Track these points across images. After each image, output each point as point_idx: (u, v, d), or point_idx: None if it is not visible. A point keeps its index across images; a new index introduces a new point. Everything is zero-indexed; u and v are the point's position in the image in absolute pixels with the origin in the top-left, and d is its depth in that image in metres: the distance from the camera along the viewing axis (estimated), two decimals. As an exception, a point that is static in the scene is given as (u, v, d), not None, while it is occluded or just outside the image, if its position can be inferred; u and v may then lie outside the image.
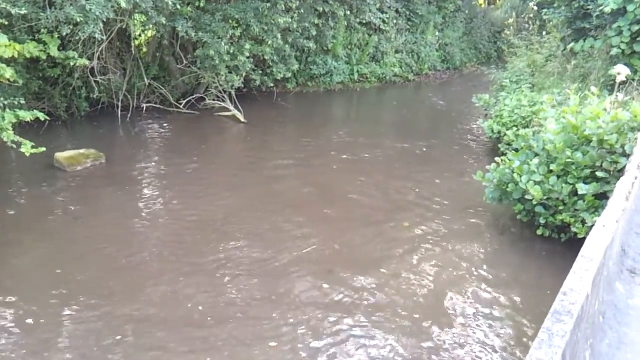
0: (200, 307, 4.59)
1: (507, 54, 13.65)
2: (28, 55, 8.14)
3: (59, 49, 8.74)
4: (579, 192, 5.22)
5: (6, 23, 7.22)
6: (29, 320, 4.36)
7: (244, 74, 11.37)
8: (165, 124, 10.54)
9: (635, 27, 7.76)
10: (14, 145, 6.38)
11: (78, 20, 8.11)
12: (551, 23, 11.69)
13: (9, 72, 6.15)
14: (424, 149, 9.75)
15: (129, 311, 4.50)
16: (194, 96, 11.50)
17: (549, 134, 5.75)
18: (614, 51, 8.05)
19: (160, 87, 11.36)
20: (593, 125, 5.38)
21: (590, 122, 5.46)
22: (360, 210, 6.77)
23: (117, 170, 7.88)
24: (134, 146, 9.21)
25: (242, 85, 11.79)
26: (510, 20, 14.13)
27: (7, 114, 6.28)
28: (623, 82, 7.19)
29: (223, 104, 11.28)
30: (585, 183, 5.26)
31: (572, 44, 9.21)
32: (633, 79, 7.70)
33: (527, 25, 14.20)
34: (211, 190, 7.27)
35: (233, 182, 7.66)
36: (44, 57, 8.58)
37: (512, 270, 5.38)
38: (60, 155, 7.84)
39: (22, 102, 7.08)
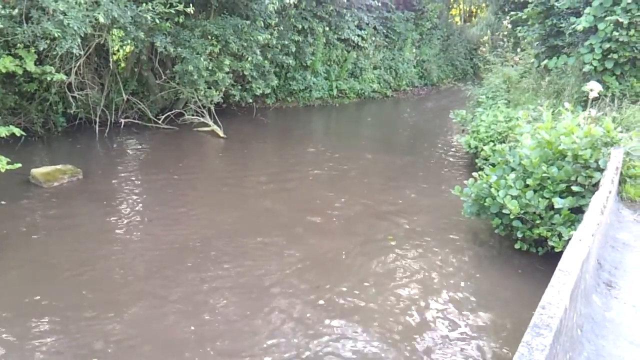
0: (184, 328, 4.52)
1: (483, 70, 13.92)
2: (4, 70, 8.07)
3: (35, 64, 8.66)
4: (555, 206, 5.30)
5: (-18, 38, 7.15)
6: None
7: (223, 89, 11.39)
8: (144, 140, 10.47)
9: (607, 45, 7.98)
10: (-11, 161, 6.28)
11: (56, 35, 8.06)
12: (525, 40, 11.96)
13: (-16, 88, 6.07)
14: (403, 164, 9.85)
15: (103, 334, 4.39)
16: (173, 111, 11.48)
17: (525, 150, 5.85)
18: (587, 68, 8.25)
19: (139, 102, 11.32)
20: (568, 141, 5.48)
21: (564, 137, 5.56)
22: (341, 224, 6.78)
23: (94, 186, 7.79)
24: (112, 162, 9.12)
25: (222, 101, 11.82)
26: (486, 38, 14.45)
27: (-18, 130, 6.19)
28: (596, 99, 7.37)
29: (202, 120, 11.26)
30: (561, 197, 5.34)
31: (546, 61, 9.42)
32: (605, 95, 7.90)
33: (502, 43, 14.49)
34: (190, 206, 7.22)
35: (213, 199, 7.62)
36: (20, 72, 8.50)
37: (490, 284, 5.42)
38: (37, 171, 7.73)
39: (-2, 117, 7.01)
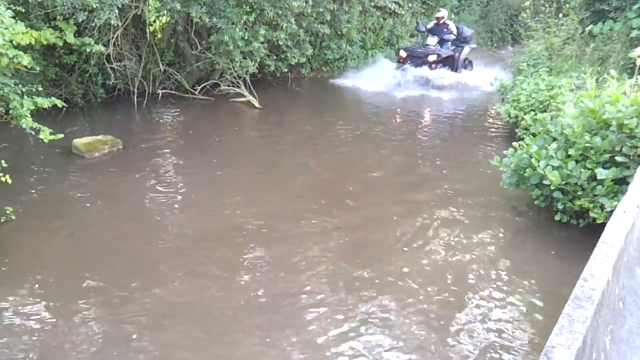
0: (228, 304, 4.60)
1: (524, 37, 13.52)
2: (45, 43, 8.20)
3: (75, 36, 8.79)
4: (598, 177, 5.16)
5: (23, 10, 7.25)
6: (49, 315, 4.43)
7: (258, 59, 11.35)
8: (181, 111, 10.58)
9: (657, 9, 7.63)
10: (33, 132, 6.44)
11: (94, 6, 8.16)
12: (569, 5, 11.52)
13: (26, 60, 6.18)
14: (439, 130, 9.76)
15: (146, 306, 4.50)
16: (209, 82, 11.52)
17: (568, 119, 5.69)
18: (634, 33, 7.91)
19: (176, 73, 11.40)
20: (612, 110, 5.31)
21: (609, 106, 5.38)
22: (384, 190, 6.81)
23: (135, 157, 7.94)
24: (151, 133, 9.26)
25: (257, 71, 11.79)
26: (527, 3, 13.92)
27: (25, 101, 6.32)
28: (643, 65, 7.08)
29: (238, 90, 11.29)
30: (604, 168, 5.20)
31: (590, 27, 9.07)
32: (654, 62, 7.58)
33: (544, 8, 14.00)
34: (230, 179, 7.28)
35: (252, 172, 7.65)
36: (60, 44, 8.64)
37: (529, 255, 5.36)
38: (79, 141, 7.92)
39: (40, 89, 7.14)
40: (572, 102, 6.08)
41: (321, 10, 12.70)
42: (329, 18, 13.20)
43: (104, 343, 4.00)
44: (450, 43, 13.58)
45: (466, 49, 13.75)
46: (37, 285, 4.70)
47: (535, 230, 5.89)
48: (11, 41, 5.94)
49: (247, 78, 11.22)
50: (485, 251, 5.39)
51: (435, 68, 12.94)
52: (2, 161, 5.47)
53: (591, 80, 6.12)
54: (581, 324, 2.06)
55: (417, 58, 13.10)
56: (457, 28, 13.81)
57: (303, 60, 13.08)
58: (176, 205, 6.46)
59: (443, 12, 14.10)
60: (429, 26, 13.98)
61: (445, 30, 13.59)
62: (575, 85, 7.38)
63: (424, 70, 12.89)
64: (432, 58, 12.93)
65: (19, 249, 5.27)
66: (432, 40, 13.51)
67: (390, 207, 6.40)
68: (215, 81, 11.61)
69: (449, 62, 13.36)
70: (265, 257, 5.26)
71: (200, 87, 11.39)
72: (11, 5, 6.28)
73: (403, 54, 13.33)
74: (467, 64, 14.03)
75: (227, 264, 5.09)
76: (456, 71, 13.39)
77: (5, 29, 5.45)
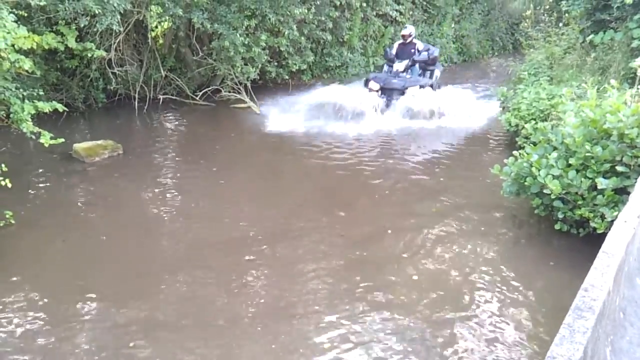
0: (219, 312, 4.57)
1: (525, 46, 13.54)
2: (46, 47, 8.22)
3: (76, 41, 8.82)
4: (599, 187, 5.15)
5: (25, 14, 7.28)
6: (45, 321, 4.41)
7: (259, 65, 11.39)
8: (182, 116, 10.60)
9: (658, 19, 7.65)
10: (33, 136, 6.44)
11: (96, 11, 8.18)
12: (569, 15, 11.55)
13: (28, 64, 6.18)
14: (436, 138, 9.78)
15: (142, 314, 4.46)
16: (210, 88, 11.54)
17: (568, 128, 5.69)
18: (635, 43, 7.92)
19: (177, 78, 11.43)
20: (613, 119, 5.31)
21: (610, 115, 5.38)
22: (385, 197, 6.82)
23: (135, 162, 7.93)
24: (151, 138, 9.26)
25: (258, 77, 11.82)
26: (528, 12, 13.98)
27: (26, 105, 6.32)
28: (644, 75, 7.08)
29: (239, 96, 11.31)
30: (605, 177, 5.19)
31: (591, 36, 9.08)
32: (654, 72, 7.59)
33: (544, 17, 14.05)
34: (231, 187, 7.26)
35: (253, 179, 7.63)
36: (62, 48, 8.67)
37: (529, 265, 5.34)
38: (79, 146, 7.92)
39: (41, 93, 7.14)
40: (573, 111, 6.08)
41: (323, 17, 12.76)
42: (330, 25, 13.25)
43: (99, 350, 3.97)
44: (418, 66, 11.16)
45: (437, 72, 11.50)
46: (34, 290, 4.68)
47: (536, 239, 5.88)
48: (13, 45, 5.93)
49: (249, 84, 11.24)
50: (485, 260, 5.37)
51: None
52: (3, 165, 5.46)
53: (592, 90, 6.13)
54: (582, 334, 2.05)
55: (393, 91, 10.50)
56: (426, 47, 11.39)
57: (304, 67, 13.11)
58: (175, 212, 6.44)
59: (410, 29, 11.44)
60: (394, 50, 11.35)
61: (413, 50, 11.14)
62: (576, 94, 7.39)
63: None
64: (412, 91, 10.41)
65: (17, 254, 5.25)
66: (400, 65, 10.93)
67: (389, 216, 6.39)
68: (216, 87, 11.63)
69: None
70: (266, 266, 5.23)
71: (201, 93, 11.42)
72: (14, 10, 6.29)
73: (374, 85, 10.61)
74: (438, 87, 11.60)
75: (227, 274, 5.05)
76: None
77: (8, 33, 5.46)
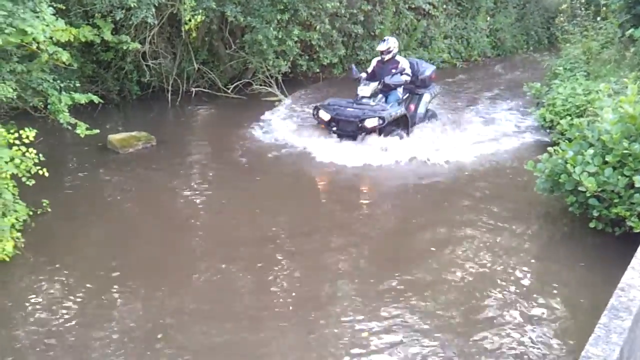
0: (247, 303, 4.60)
1: (561, 40, 13.25)
2: (83, 40, 8.40)
3: (112, 34, 8.96)
4: (636, 185, 5.02)
5: (63, 8, 7.44)
6: (78, 305, 4.51)
7: (291, 59, 11.40)
8: (213, 109, 10.69)
9: (701, 13, 7.40)
10: (70, 127, 6.61)
11: (131, 5, 8.30)
12: (607, 8, 11.27)
13: (65, 56, 6.33)
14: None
15: (173, 302, 4.53)
16: (241, 81, 11.60)
17: (605, 124, 5.56)
18: (677, 38, 7.70)
19: (209, 72, 11.51)
20: (653, 116, 5.17)
21: (650, 112, 5.24)
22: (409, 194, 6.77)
23: (168, 154, 8.04)
24: (184, 130, 9.37)
25: (289, 71, 11.84)
26: (564, 6, 13.69)
27: (63, 97, 6.48)
28: (686, 71, 6.87)
29: (270, 89, 11.35)
30: (643, 176, 5.06)
31: (631, 30, 8.83)
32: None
33: (581, 11, 13.75)
34: (262, 183, 7.24)
35: (286, 176, 7.62)
36: (98, 41, 8.84)
37: (562, 264, 5.25)
38: (114, 137, 8.06)
39: (77, 85, 7.32)
40: (611, 107, 5.93)
41: (355, 11, 12.69)
42: (362, 19, 13.17)
43: (130, 340, 4.04)
44: (401, 89, 8.57)
45: (426, 97, 8.99)
46: (67, 277, 4.81)
47: (569, 237, 5.78)
48: (51, 38, 6.08)
49: (280, 77, 11.27)
50: (518, 258, 5.29)
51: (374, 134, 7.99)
52: (40, 155, 5.60)
53: (633, 86, 5.97)
54: (618, 335, 2.00)
55: (347, 123, 7.95)
56: (412, 65, 8.75)
57: (335, 60, 13.07)
58: (206, 207, 6.47)
59: (390, 43, 8.61)
60: (370, 68, 8.88)
61: (392, 69, 8.41)
62: (614, 90, 7.21)
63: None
64: (370, 124, 7.80)
65: (53, 241, 5.39)
66: (365, 90, 8.20)
67: (417, 210, 6.36)
68: (247, 80, 11.69)
69: (402, 122, 8.35)
70: (297, 262, 5.23)
71: (233, 86, 11.49)
72: (52, 3, 6.43)
73: (324, 115, 8.10)
74: (430, 115, 9.27)
75: (258, 268, 5.09)
76: (408, 134, 8.41)
77: (47, 25, 5.57)
